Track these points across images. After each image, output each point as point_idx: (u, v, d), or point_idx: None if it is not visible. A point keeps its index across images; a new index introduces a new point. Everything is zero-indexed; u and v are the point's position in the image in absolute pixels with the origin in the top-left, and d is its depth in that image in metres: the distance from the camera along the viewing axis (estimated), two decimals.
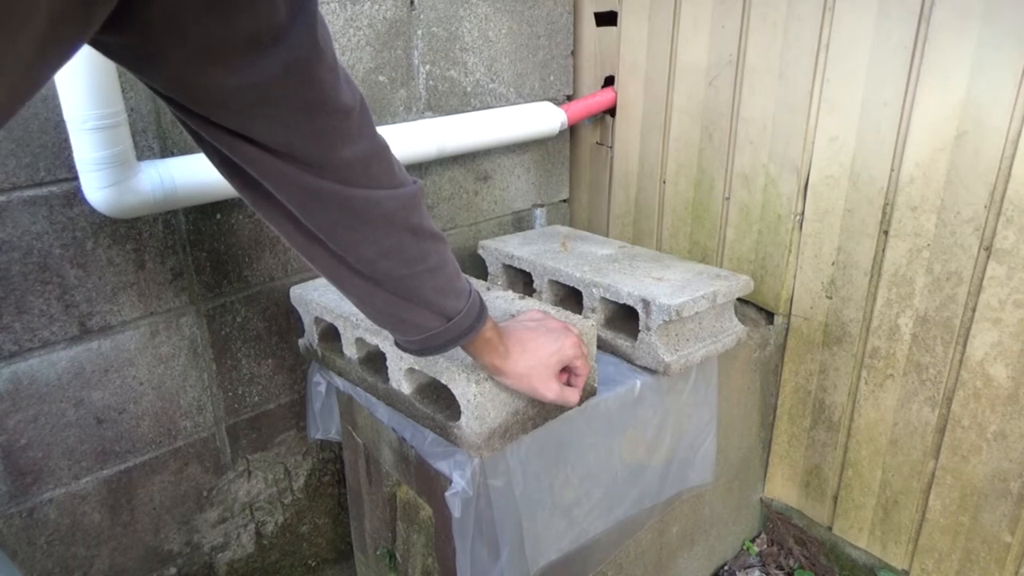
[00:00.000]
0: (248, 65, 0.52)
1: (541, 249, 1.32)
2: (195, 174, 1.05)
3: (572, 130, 1.68)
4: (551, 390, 0.86)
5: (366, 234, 0.67)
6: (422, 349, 0.78)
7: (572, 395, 0.89)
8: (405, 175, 0.70)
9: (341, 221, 0.66)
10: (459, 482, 0.92)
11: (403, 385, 1.00)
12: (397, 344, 0.81)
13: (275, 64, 0.53)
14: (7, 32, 0.37)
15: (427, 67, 1.37)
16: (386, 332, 0.91)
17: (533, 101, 1.55)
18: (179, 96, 0.55)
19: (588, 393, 1.02)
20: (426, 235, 0.71)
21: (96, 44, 0.49)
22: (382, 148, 0.67)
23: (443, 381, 0.92)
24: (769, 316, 1.38)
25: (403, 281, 0.71)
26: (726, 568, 1.48)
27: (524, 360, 0.84)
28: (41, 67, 0.43)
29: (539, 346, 0.86)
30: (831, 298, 1.28)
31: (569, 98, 1.63)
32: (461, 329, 0.76)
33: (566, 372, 0.90)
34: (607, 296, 1.15)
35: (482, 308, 0.79)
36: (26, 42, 0.39)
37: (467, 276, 0.80)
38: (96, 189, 0.97)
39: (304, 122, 0.58)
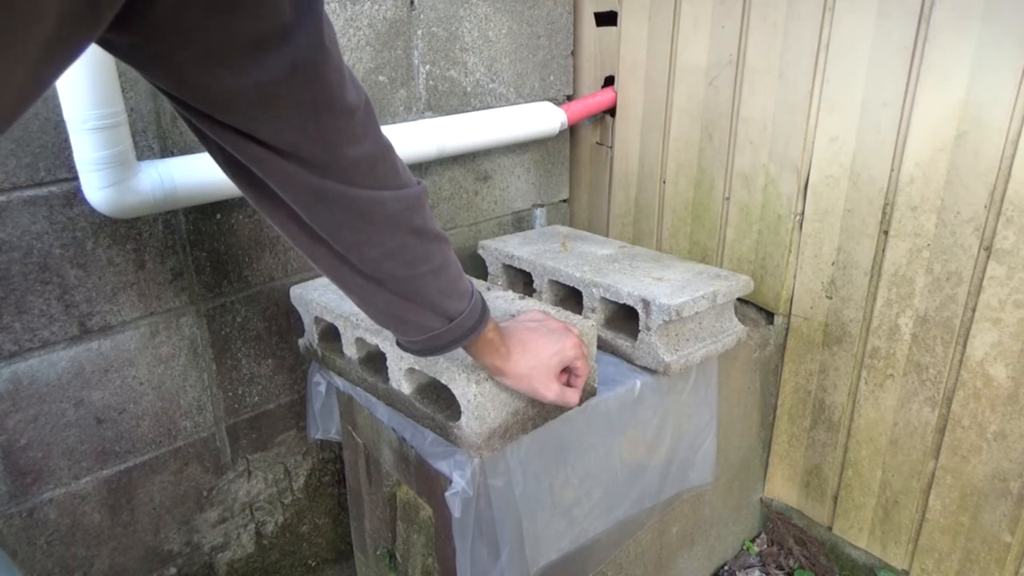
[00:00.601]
0: (254, 65, 0.52)
1: (541, 249, 1.32)
2: (195, 174, 1.05)
3: (572, 130, 1.68)
4: (551, 391, 0.86)
5: (370, 235, 0.67)
6: (424, 349, 0.78)
7: (572, 396, 0.89)
8: (409, 176, 0.70)
9: (345, 222, 0.66)
10: (459, 482, 0.92)
11: (403, 385, 1.00)
12: (399, 344, 0.81)
13: (281, 64, 0.53)
14: (16, 34, 0.37)
15: (427, 67, 1.37)
16: (387, 332, 0.91)
17: (533, 101, 1.55)
18: (184, 95, 0.55)
19: (588, 393, 1.02)
20: (430, 236, 0.71)
21: (101, 43, 0.49)
22: (387, 149, 0.67)
23: (443, 381, 0.92)
24: (769, 316, 1.38)
25: (406, 282, 0.71)
26: (726, 568, 1.48)
27: (525, 361, 0.84)
28: (48, 69, 0.43)
29: (540, 347, 0.86)
30: (831, 298, 1.28)
31: (569, 98, 1.63)
32: (463, 330, 0.76)
33: (566, 372, 0.90)
34: (607, 296, 1.15)
35: (484, 309, 0.79)
36: (34, 44, 0.39)
37: (469, 277, 0.80)
38: (96, 189, 0.97)
39: (310, 122, 0.58)
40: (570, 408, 0.97)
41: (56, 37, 0.40)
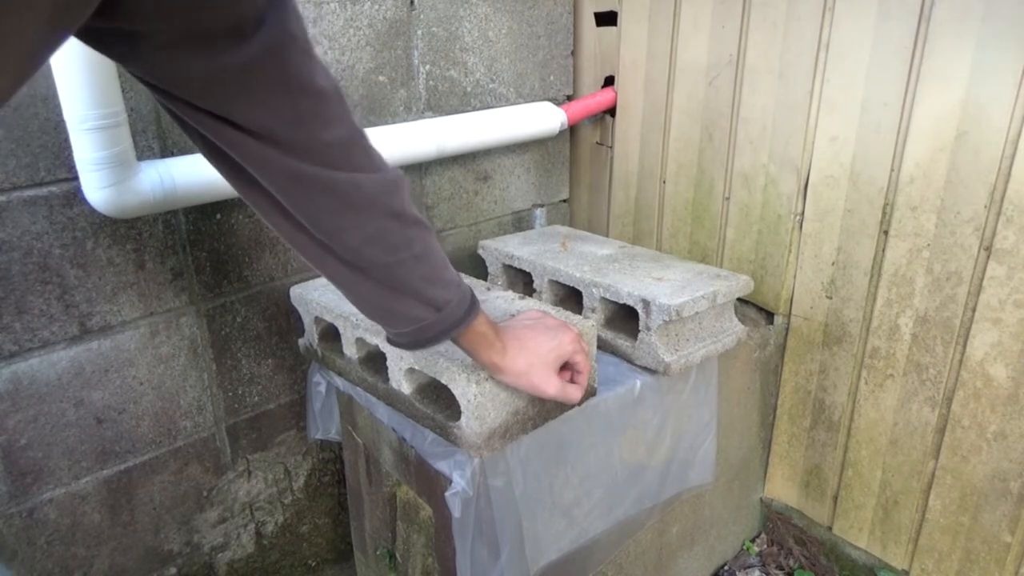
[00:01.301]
0: (230, 49, 0.54)
1: (541, 249, 1.32)
2: (195, 174, 1.05)
3: (572, 130, 1.68)
4: (552, 385, 0.85)
5: (350, 219, 0.68)
6: (414, 342, 0.78)
7: (574, 392, 0.88)
8: (385, 162, 0.71)
9: (324, 206, 0.66)
10: (459, 482, 0.92)
11: (403, 385, 1.00)
12: (389, 340, 0.81)
13: (254, 48, 0.55)
14: (14, 15, 0.39)
15: (427, 67, 1.37)
16: None
17: (533, 101, 1.55)
18: (163, 81, 0.57)
19: (588, 393, 1.02)
20: (410, 221, 0.72)
21: (88, 34, 0.52)
22: (360, 134, 0.68)
23: (443, 381, 0.92)
24: (769, 316, 1.38)
25: (389, 269, 0.71)
26: (726, 568, 1.48)
27: (523, 357, 0.84)
28: (42, 48, 0.45)
29: (538, 343, 0.85)
30: (831, 298, 1.28)
31: (569, 98, 1.63)
32: (452, 320, 0.76)
33: (568, 371, 0.90)
34: (607, 296, 1.15)
35: (473, 300, 0.78)
36: (31, 25, 0.41)
37: (459, 273, 0.80)
38: (96, 189, 0.97)
39: (283, 104, 0.60)
40: (572, 405, 0.97)
41: (53, 17, 0.42)
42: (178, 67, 0.55)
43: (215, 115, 0.59)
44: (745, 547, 1.52)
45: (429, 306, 0.75)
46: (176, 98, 0.59)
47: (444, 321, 0.76)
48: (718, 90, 1.35)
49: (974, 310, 1.09)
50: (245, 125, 0.60)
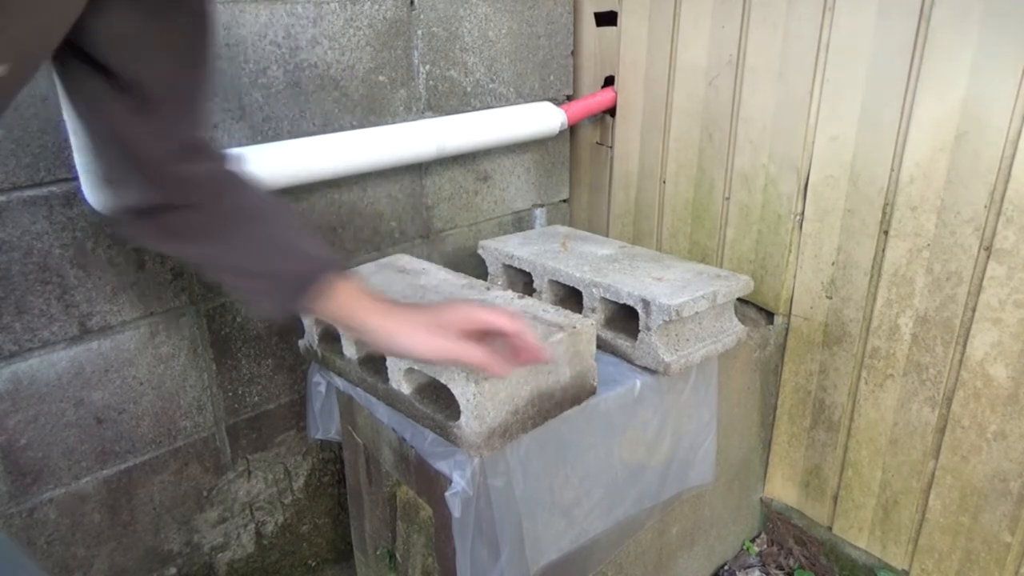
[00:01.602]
0: (168, 10, 0.61)
1: (541, 249, 1.32)
2: None
3: (572, 130, 1.68)
4: (426, 344, 0.74)
5: (216, 189, 0.73)
6: (294, 294, 0.74)
7: (473, 351, 0.74)
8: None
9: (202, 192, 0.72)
10: (459, 482, 0.92)
11: (403, 385, 1.00)
12: (274, 312, 0.78)
13: (188, 13, 0.63)
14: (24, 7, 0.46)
15: (427, 67, 1.37)
16: None
17: (533, 101, 1.55)
18: (88, 42, 0.60)
19: (588, 392, 1.02)
20: (263, 189, 0.78)
21: None
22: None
23: (442, 380, 0.92)
24: (769, 316, 1.38)
25: (252, 230, 0.75)
26: (726, 568, 1.48)
27: (400, 316, 0.76)
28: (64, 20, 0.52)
29: (424, 309, 0.78)
30: (831, 298, 1.28)
31: (569, 98, 1.63)
32: (321, 261, 0.76)
33: (522, 355, 0.79)
34: (607, 296, 1.15)
35: (338, 259, 0.80)
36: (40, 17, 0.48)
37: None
38: (96, 189, 0.97)
39: (189, 67, 0.67)
40: (486, 370, 0.78)
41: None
42: (114, 25, 0.60)
43: (120, 80, 0.62)
44: (745, 547, 1.52)
45: (295, 257, 0.76)
46: (84, 58, 0.61)
47: (312, 267, 0.75)
48: (718, 90, 1.35)
49: (974, 310, 1.09)
50: (149, 86, 0.64)
